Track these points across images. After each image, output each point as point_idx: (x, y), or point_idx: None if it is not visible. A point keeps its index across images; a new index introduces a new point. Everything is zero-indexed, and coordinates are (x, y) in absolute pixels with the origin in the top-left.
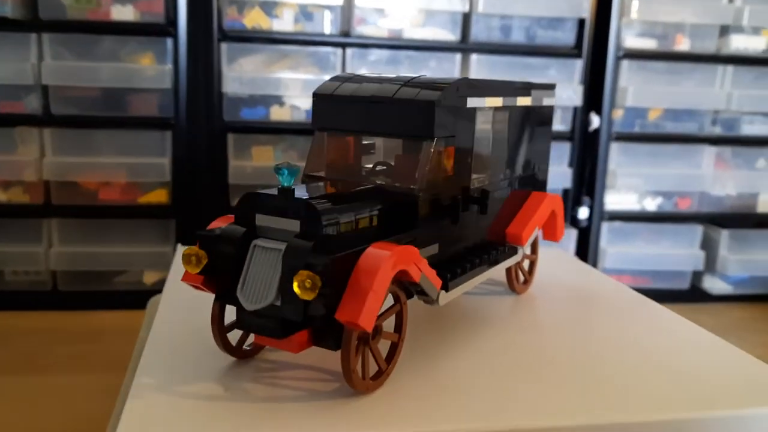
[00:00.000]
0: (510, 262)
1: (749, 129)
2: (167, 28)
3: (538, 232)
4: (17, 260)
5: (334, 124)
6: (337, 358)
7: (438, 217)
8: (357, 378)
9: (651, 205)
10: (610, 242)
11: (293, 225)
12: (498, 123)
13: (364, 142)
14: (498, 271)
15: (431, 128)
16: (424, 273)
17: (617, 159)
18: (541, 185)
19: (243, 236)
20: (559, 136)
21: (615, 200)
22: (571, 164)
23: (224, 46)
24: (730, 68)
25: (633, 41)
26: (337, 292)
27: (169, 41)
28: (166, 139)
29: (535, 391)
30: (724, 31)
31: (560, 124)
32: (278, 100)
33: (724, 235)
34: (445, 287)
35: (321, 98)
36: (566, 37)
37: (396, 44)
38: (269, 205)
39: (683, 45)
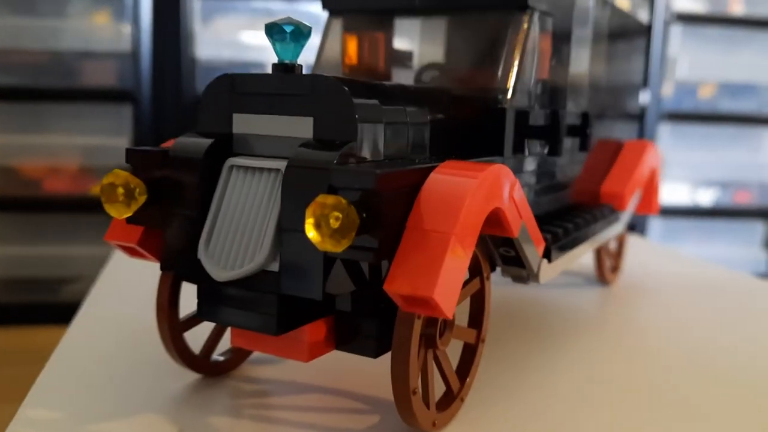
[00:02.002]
0: (615, 230)
1: None
2: None
3: (637, 196)
4: None
5: (358, 2)
6: (374, 372)
7: (530, 142)
8: (418, 405)
9: (705, 198)
10: (659, 241)
11: (300, 127)
12: (598, 23)
13: (398, 44)
14: (602, 242)
15: None
16: (525, 223)
17: (667, 142)
18: (633, 131)
19: (209, 152)
20: None
21: (665, 192)
22: None
23: (197, 3)
24: None
25: (681, 2)
26: (387, 243)
27: None
28: (126, 115)
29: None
30: None
31: None
32: (261, 68)
33: None
34: (548, 255)
35: None
36: None
37: None
38: (256, 96)
39: (738, 8)
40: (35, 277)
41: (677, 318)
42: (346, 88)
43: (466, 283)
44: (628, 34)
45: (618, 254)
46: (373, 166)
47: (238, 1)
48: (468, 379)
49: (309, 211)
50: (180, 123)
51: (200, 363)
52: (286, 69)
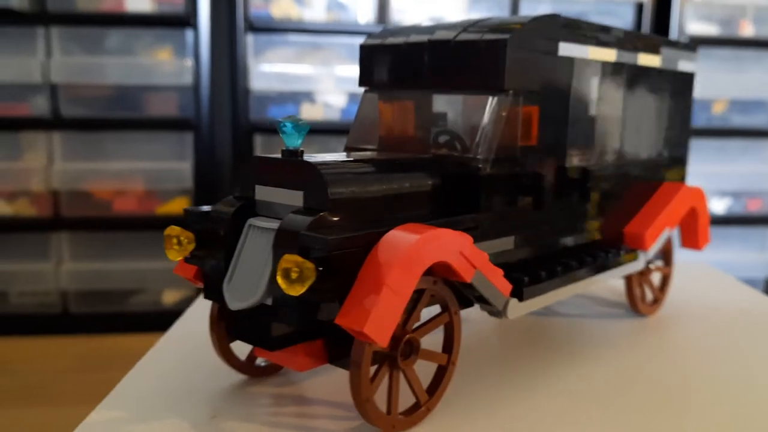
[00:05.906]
0: (625, 270)
1: None
2: (187, 18)
3: (670, 235)
4: (23, 280)
5: (386, 81)
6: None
7: (513, 199)
8: (374, 411)
9: (719, 206)
10: (676, 246)
11: (296, 197)
12: (610, 85)
13: (433, 108)
14: (604, 281)
15: (500, 78)
16: (480, 270)
17: None
18: (675, 175)
19: (235, 213)
20: None
21: None
22: None
23: (250, 38)
24: None
25: (694, 26)
26: (339, 288)
27: (190, 33)
28: (187, 142)
29: None
30: None
31: None
32: (309, 97)
33: None
34: (519, 294)
35: (369, 50)
36: (623, 24)
37: None
38: (269, 173)
39: (747, 30)
40: (106, 289)
41: (710, 346)
42: (321, 169)
43: (437, 317)
44: (663, 88)
45: (662, 288)
46: (330, 233)
47: (287, 35)
48: (436, 395)
49: (278, 265)
50: (235, 148)
51: (245, 367)
52: (290, 154)
